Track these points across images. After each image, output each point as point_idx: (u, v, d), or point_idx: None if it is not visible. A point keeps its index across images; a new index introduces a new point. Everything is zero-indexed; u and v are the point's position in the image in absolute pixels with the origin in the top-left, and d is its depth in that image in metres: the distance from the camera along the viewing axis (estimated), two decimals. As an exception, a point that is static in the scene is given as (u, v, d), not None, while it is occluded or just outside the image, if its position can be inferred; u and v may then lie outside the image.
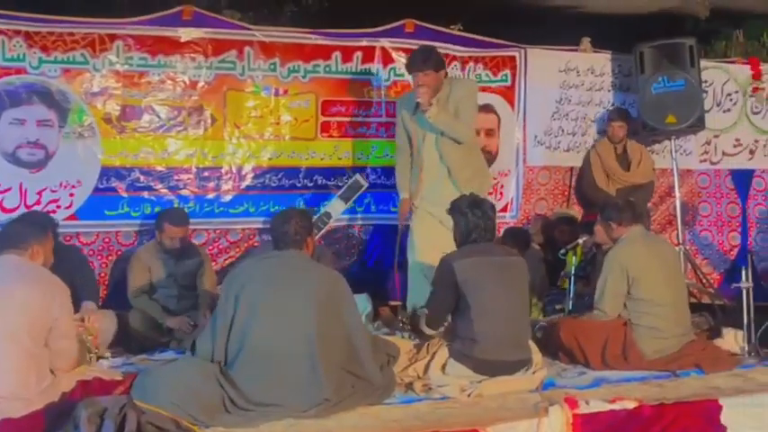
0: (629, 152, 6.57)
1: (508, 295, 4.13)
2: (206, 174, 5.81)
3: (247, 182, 5.90)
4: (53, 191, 5.44)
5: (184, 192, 5.75)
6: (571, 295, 5.43)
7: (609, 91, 6.91)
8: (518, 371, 4.12)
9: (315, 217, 5.60)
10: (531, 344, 4.34)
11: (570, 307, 5.39)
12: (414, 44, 6.11)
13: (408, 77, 5.67)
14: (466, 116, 5.21)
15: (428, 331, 4.44)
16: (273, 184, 5.92)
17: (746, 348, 4.89)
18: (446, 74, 5.31)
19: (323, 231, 5.76)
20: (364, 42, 6.12)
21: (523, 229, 6.49)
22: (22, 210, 5.21)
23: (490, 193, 6.43)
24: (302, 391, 3.58)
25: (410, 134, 5.37)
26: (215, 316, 3.80)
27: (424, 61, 5.12)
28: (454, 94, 5.19)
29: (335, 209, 5.86)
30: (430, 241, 5.17)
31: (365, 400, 3.72)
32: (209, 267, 5.46)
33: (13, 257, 3.61)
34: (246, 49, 5.83)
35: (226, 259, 5.84)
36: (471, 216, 4.26)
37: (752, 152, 7.16)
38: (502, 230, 6.42)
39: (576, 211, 6.80)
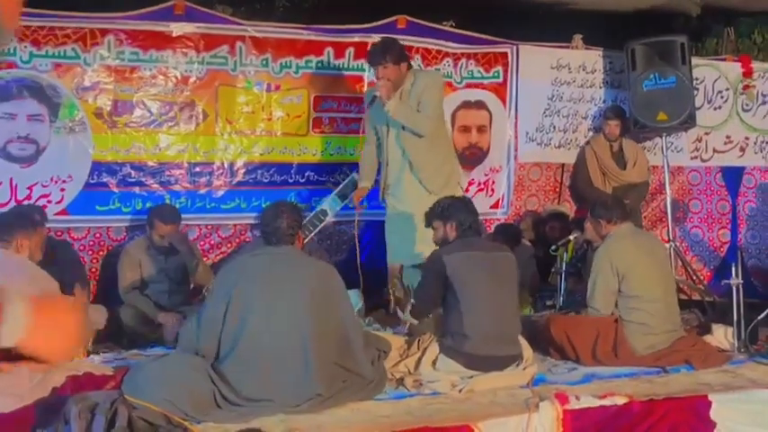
0: (625, 151, 6.58)
1: (498, 290, 4.14)
2: (198, 169, 5.80)
3: (239, 177, 5.89)
4: (44, 186, 5.41)
5: (176, 187, 5.74)
6: (562, 291, 5.45)
7: (600, 88, 6.93)
8: (509, 366, 4.13)
9: (310, 214, 5.59)
10: (522, 339, 4.35)
11: (561, 303, 5.41)
12: (406, 40, 6.11)
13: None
14: (427, 108, 5.10)
15: (412, 321, 4.46)
16: (265, 180, 5.92)
17: (736, 345, 4.91)
18: (409, 66, 5.24)
19: (318, 228, 5.74)
20: (356, 38, 6.11)
21: (514, 226, 6.51)
22: (13, 205, 5.19)
23: (483, 189, 6.48)
24: (294, 386, 3.58)
25: (375, 128, 5.35)
26: (203, 309, 3.80)
27: (383, 54, 5.05)
28: (417, 87, 5.10)
29: (331, 206, 5.85)
30: (400, 236, 5.19)
31: (356, 396, 3.72)
32: (203, 263, 5.43)
33: None
34: (238, 44, 5.82)
35: (217, 255, 5.84)
36: (455, 217, 4.25)
37: (742, 149, 7.18)
38: (493, 226, 6.45)
39: (568, 208, 6.82)
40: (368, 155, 5.49)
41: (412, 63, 5.57)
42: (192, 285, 5.42)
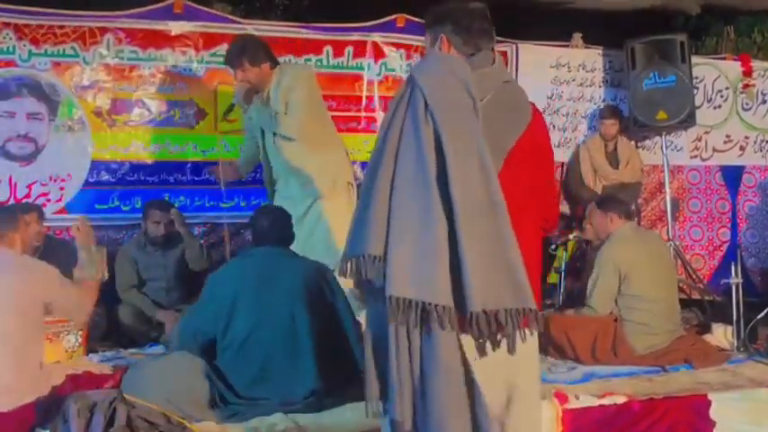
0: (620, 151, 6.57)
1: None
2: (196, 167, 5.80)
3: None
4: (43, 184, 5.42)
5: (175, 185, 5.74)
6: (561, 290, 5.44)
7: (600, 87, 6.92)
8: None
9: None
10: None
11: (561, 302, 5.40)
12: (405, 39, 6.13)
13: (400, 72, 5.65)
14: (295, 109, 4.55)
15: None
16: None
17: (735, 344, 4.92)
18: (273, 65, 4.70)
19: None
20: (356, 37, 6.11)
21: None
22: (12, 203, 5.19)
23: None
24: (292, 384, 3.58)
25: (252, 128, 4.91)
26: (196, 308, 3.79)
27: (239, 55, 4.59)
28: (281, 87, 4.59)
29: None
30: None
31: (355, 393, 3.70)
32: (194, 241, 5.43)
33: None
34: (238, 42, 5.81)
35: (217, 253, 5.82)
36: None
37: (742, 148, 7.18)
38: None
39: (567, 207, 6.81)
40: (249, 148, 5.04)
41: (282, 60, 5.13)
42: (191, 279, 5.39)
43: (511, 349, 2.21)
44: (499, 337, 2.22)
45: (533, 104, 2.74)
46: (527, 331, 2.23)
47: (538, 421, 2.48)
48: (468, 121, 2.32)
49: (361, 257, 2.23)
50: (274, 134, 4.62)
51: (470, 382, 2.23)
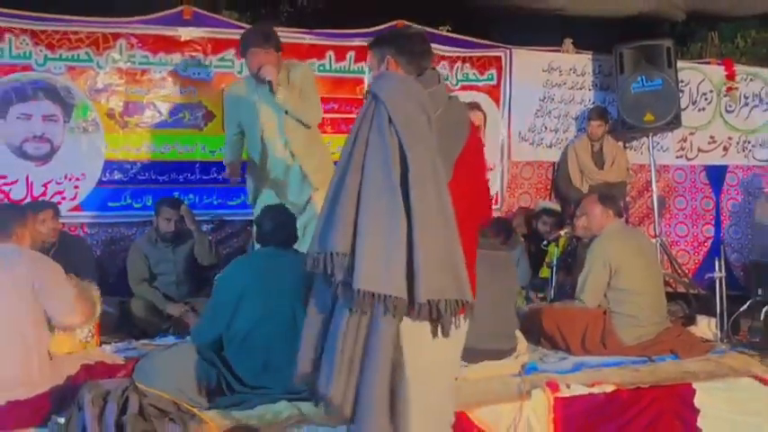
0: (605, 151, 6.56)
1: (497, 289, 4.12)
2: (205, 167, 5.80)
3: (245, 175, 5.86)
4: (58, 183, 5.42)
5: (184, 184, 5.74)
6: (553, 284, 5.44)
7: (590, 90, 6.93)
8: (503, 359, 4.13)
9: None
10: (518, 332, 4.35)
11: (552, 295, 5.40)
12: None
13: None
14: (313, 99, 4.62)
15: None
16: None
17: (719, 335, 4.93)
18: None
19: None
20: (357, 42, 6.11)
21: (507, 221, 6.50)
22: (29, 201, 5.19)
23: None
24: (293, 374, 3.57)
25: (245, 124, 4.70)
26: (209, 311, 3.80)
27: (266, 39, 4.50)
28: (294, 77, 4.58)
29: None
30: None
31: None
32: (203, 237, 5.41)
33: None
34: (244, 48, 5.81)
35: (225, 248, 5.83)
36: None
37: (725, 149, 7.18)
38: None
39: (558, 204, 6.82)
40: (236, 142, 4.83)
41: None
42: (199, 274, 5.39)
43: (446, 333, 2.50)
44: (436, 323, 2.50)
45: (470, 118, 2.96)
46: (462, 318, 2.56)
47: (452, 396, 2.77)
48: (425, 135, 2.53)
49: (329, 254, 2.41)
50: (285, 113, 4.52)
51: (400, 365, 2.50)
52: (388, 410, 2.50)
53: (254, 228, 4.03)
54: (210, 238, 5.65)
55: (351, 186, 2.45)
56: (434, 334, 2.52)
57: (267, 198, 4.67)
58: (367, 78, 6.10)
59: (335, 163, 2.75)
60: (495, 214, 6.61)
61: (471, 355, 4.01)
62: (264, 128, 4.59)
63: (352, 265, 2.40)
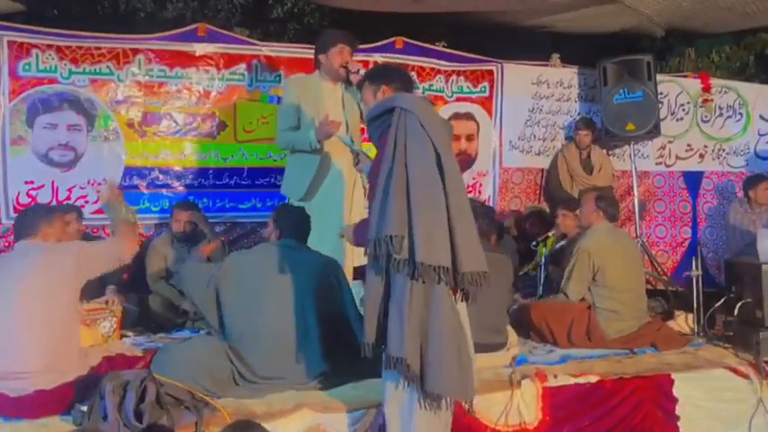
0: (593, 158, 6.57)
1: (492, 288, 4.08)
2: (218, 173, 5.80)
3: (255, 180, 5.88)
4: (82, 188, 5.42)
5: (199, 189, 5.74)
6: (542, 281, 5.43)
7: (576, 101, 6.93)
8: (495, 352, 4.12)
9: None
10: (509, 327, 4.34)
11: (541, 292, 5.39)
12: (404, 59, 6.13)
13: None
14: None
15: None
16: (278, 182, 5.88)
17: (696, 329, 4.92)
18: None
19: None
20: (359, 57, 6.04)
21: (499, 223, 6.50)
22: (54, 205, 5.19)
23: (471, 191, 6.48)
24: (303, 365, 3.58)
25: (308, 118, 4.39)
26: (212, 277, 3.76)
27: (353, 40, 4.45)
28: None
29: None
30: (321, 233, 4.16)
31: (356, 373, 3.70)
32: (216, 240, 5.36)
33: (27, 243, 3.47)
34: (254, 62, 5.83)
35: (236, 249, 5.81)
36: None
37: (702, 156, 7.18)
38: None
39: (546, 207, 6.81)
40: (291, 132, 4.44)
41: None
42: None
43: (474, 298, 2.93)
44: (466, 291, 2.89)
45: None
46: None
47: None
48: (446, 136, 2.99)
49: (389, 237, 2.73)
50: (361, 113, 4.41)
51: (459, 326, 2.87)
52: (462, 361, 2.82)
53: (275, 222, 3.94)
54: (223, 239, 5.65)
55: (399, 182, 2.79)
56: (464, 299, 2.93)
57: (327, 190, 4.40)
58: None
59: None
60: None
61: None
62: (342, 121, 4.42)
63: (412, 244, 2.74)
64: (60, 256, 3.41)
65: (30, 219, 3.57)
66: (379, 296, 2.83)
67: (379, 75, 3.25)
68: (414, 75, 6.23)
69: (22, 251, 3.44)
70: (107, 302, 4.46)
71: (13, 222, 5.16)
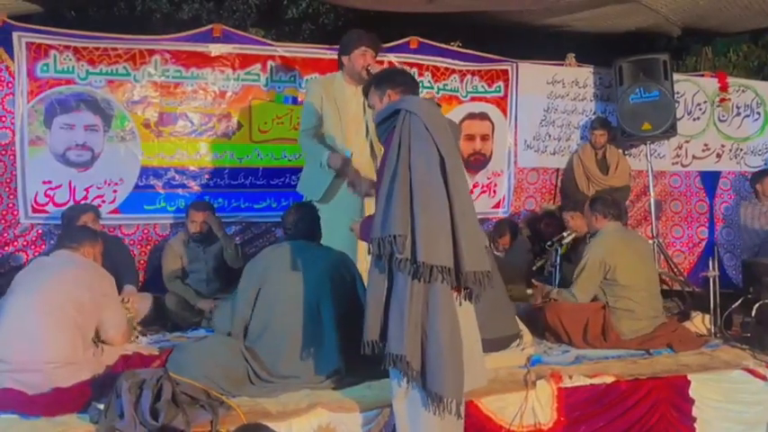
0: (609, 158, 6.54)
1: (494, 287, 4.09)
2: (233, 173, 5.82)
3: (270, 180, 5.90)
4: (98, 188, 5.45)
5: (214, 189, 5.76)
6: (556, 282, 5.42)
7: (591, 101, 6.90)
8: (509, 345, 4.11)
9: None
10: (522, 325, 4.34)
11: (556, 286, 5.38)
12: (418, 59, 6.13)
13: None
14: None
15: None
16: (293, 183, 5.89)
17: (712, 330, 4.89)
18: None
19: None
20: (374, 57, 6.09)
21: (513, 222, 6.49)
22: (71, 204, 5.23)
23: (486, 191, 6.47)
24: (318, 363, 3.59)
25: (328, 117, 4.42)
26: (235, 296, 3.81)
27: (377, 43, 4.48)
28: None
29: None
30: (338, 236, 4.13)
31: (371, 372, 3.71)
32: (230, 242, 5.38)
33: (66, 252, 3.70)
34: (269, 62, 5.84)
35: (251, 248, 5.84)
36: None
37: (719, 156, 7.13)
38: (495, 222, 6.45)
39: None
40: (314, 136, 4.47)
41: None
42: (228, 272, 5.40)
43: (478, 298, 2.94)
44: (470, 291, 2.91)
45: None
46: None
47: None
48: (450, 138, 3.02)
49: (392, 236, 2.78)
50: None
51: (457, 326, 2.89)
52: (455, 362, 2.85)
53: (285, 223, 3.99)
54: (237, 239, 5.67)
55: (402, 182, 2.84)
56: (466, 299, 2.95)
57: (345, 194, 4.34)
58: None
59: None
60: (503, 217, 6.61)
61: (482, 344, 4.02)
62: (349, 126, 4.45)
63: (414, 244, 2.78)
64: (102, 277, 3.69)
65: (77, 234, 3.89)
66: (382, 295, 2.88)
67: (384, 79, 3.30)
68: (428, 74, 6.24)
69: (61, 258, 3.67)
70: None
71: (32, 222, 5.25)
